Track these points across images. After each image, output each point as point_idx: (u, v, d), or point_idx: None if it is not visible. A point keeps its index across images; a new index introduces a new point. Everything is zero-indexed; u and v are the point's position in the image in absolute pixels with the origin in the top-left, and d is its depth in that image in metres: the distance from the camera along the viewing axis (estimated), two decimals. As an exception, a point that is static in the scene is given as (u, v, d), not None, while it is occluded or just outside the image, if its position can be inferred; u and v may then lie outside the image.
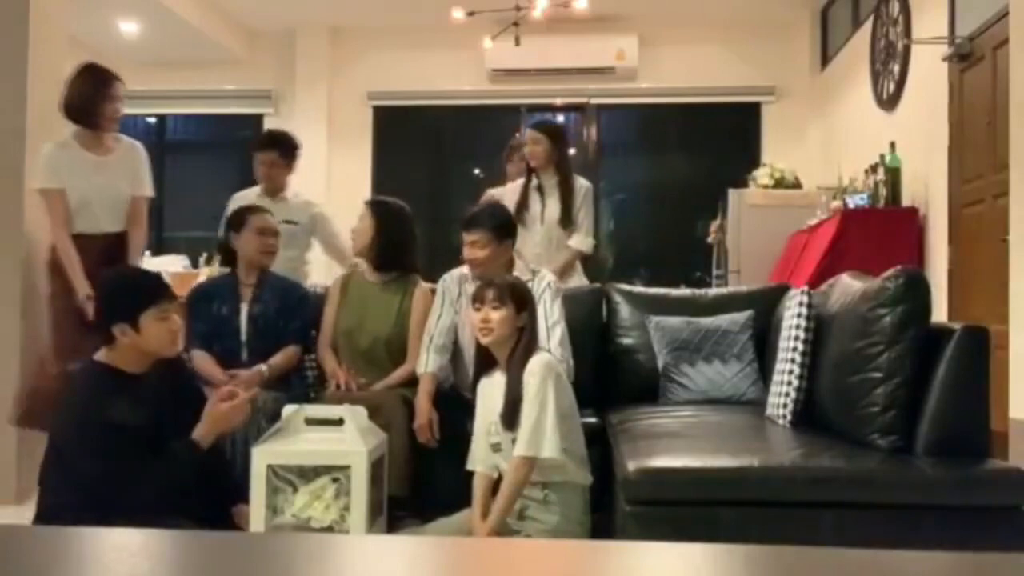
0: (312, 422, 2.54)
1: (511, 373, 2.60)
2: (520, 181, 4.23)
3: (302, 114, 7.68)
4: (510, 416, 2.55)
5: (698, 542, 0.67)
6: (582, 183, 4.19)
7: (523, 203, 4.12)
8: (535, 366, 2.58)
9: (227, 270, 3.35)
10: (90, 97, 3.42)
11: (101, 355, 2.47)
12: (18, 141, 3.59)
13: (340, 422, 2.51)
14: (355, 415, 2.56)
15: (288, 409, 2.58)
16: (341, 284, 3.30)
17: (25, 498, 3.52)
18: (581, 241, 4.12)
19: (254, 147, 4.09)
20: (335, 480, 2.42)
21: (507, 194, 4.29)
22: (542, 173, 4.14)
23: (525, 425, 2.50)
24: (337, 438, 2.49)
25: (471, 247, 3.07)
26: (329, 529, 2.37)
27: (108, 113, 3.47)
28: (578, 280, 4.09)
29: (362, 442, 2.46)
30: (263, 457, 2.44)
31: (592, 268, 4.13)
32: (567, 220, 4.08)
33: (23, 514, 3.37)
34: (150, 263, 4.95)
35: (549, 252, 4.08)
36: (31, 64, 3.63)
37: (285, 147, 4.05)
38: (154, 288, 2.49)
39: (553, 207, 4.11)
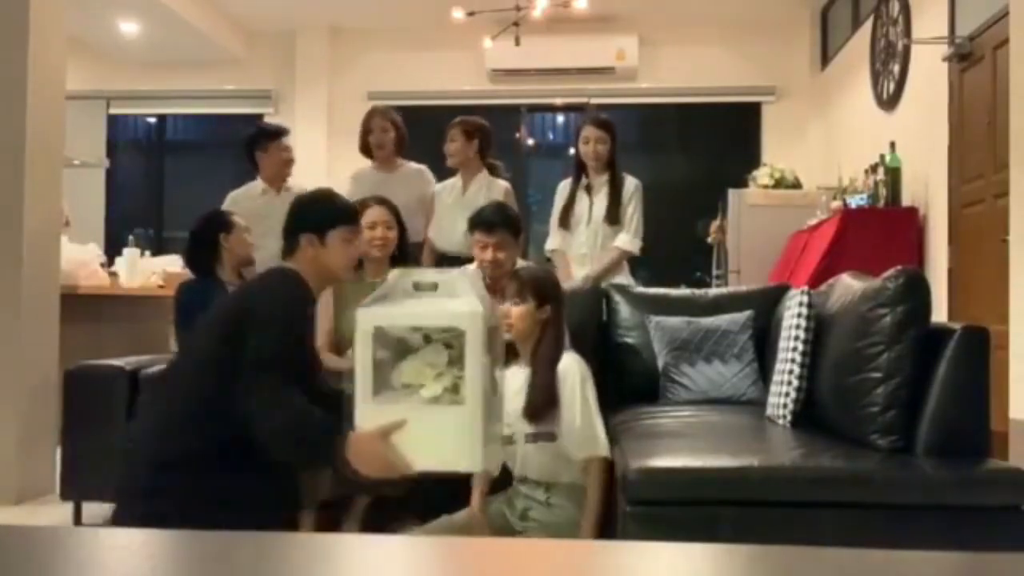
0: (420, 287, 2.21)
1: (537, 368, 2.60)
2: (566, 182, 4.05)
3: (302, 114, 7.68)
4: (535, 411, 2.55)
5: (698, 542, 0.67)
6: (632, 181, 3.99)
7: (569, 204, 3.95)
8: (569, 368, 2.59)
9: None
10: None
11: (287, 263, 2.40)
12: (18, 141, 3.59)
13: (443, 287, 2.20)
14: (472, 278, 2.27)
15: (394, 273, 2.38)
16: (333, 288, 3.24)
17: (25, 498, 3.52)
18: (628, 241, 3.90)
19: (266, 139, 4.01)
20: (448, 346, 2.12)
21: (449, 188, 4.13)
22: (593, 172, 3.96)
23: (576, 431, 2.51)
24: (449, 302, 2.17)
25: (495, 249, 3.01)
26: (439, 400, 2.06)
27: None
28: (626, 280, 3.87)
29: (479, 303, 2.14)
30: (369, 319, 2.08)
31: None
32: (614, 216, 3.88)
33: (23, 514, 3.37)
34: (151, 263, 4.95)
35: (595, 252, 3.91)
36: (31, 64, 3.63)
37: (286, 132, 4.07)
38: (347, 210, 2.51)
39: (600, 205, 3.92)
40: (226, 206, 3.96)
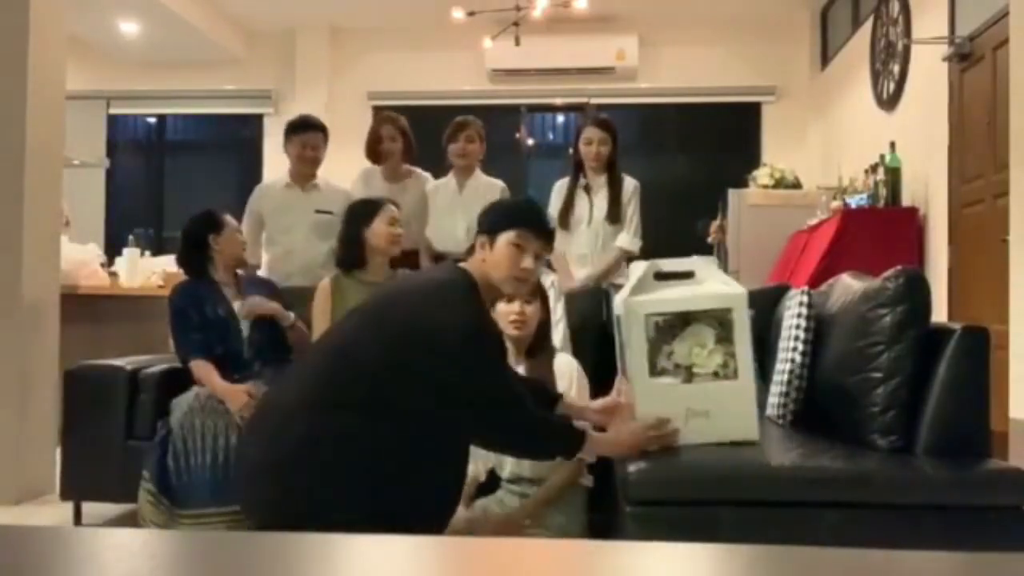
0: (662, 276, 2.31)
1: (535, 365, 2.62)
2: (563, 182, 4.03)
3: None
4: None
5: (698, 542, 0.67)
6: (631, 181, 4.00)
7: (568, 204, 3.94)
8: (564, 367, 2.63)
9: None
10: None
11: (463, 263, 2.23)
12: (18, 141, 3.59)
13: (691, 275, 2.32)
14: (709, 266, 2.36)
15: (641, 265, 2.36)
16: (332, 288, 3.17)
17: (25, 498, 3.52)
18: (629, 241, 3.92)
19: (290, 131, 3.91)
20: (713, 326, 2.21)
21: (442, 188, 4.07)
22: (592, 173, 3.95)
23: None
24: (708, 286, 2.28)
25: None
26: (714, 376, 2.18)
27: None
28: (625, 281, 3.92)
29: (738, 285, 2.29)
30: (639, 307, 2.21)
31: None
32: (615, 215, 3.89)
33: (23, 514, 3.37)
34: (151, 263, 4.95)
35: (595, 253, 3.92)
36: (31, 64, 3.63)
37: (324, 129, 4.00)
38: (524, 210, 2.23)
39: (600, 205, 3.92)
40: (252, 197, 3.95)
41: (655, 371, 2.20)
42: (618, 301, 2.35)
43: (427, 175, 4.13)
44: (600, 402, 2.45)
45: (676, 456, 2.17)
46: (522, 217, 2.19)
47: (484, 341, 2.08)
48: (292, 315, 3.16)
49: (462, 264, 2.22)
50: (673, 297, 2.25)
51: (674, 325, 2.22)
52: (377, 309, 2.18)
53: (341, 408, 1.99)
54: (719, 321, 2.20)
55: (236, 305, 3.12)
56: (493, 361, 2.09)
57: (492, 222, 2.19)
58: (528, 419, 2.12)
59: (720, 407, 2.18)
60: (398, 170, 4.06)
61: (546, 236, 2.21)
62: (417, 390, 1.99)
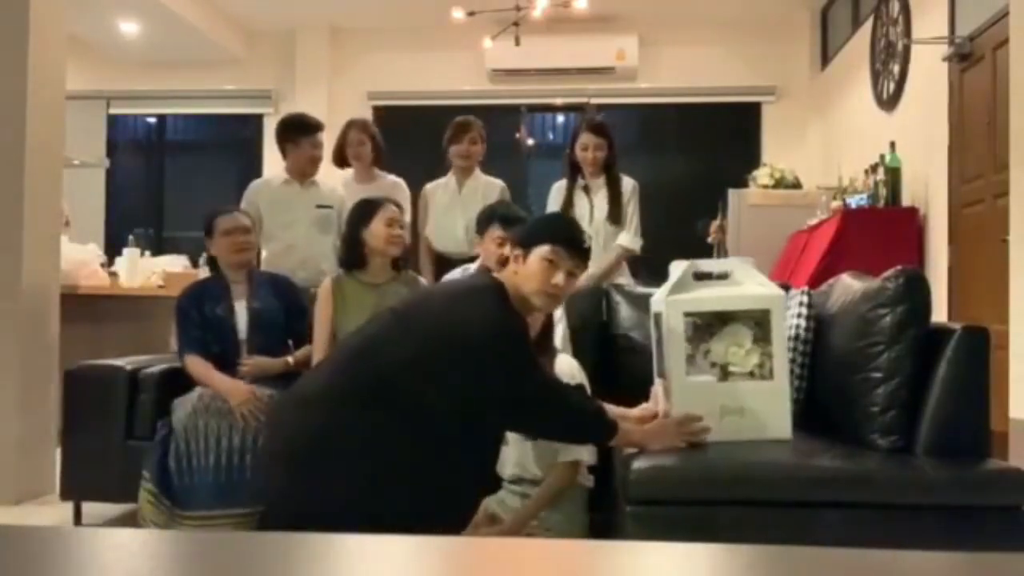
0: (701, 276, 2.37)
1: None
2: (561, 183, 4.03)
3: (302, 114, 7.69)
4: None
5: (698, 542, 0.67)
6: (629, 181, 4.01)
7: (568, 206, 3.94)
8: (565, 367, 2.62)
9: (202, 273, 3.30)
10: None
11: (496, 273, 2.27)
12: (18, 140, 3.59)
13: (729, 276, 2.37)
14: (747, 267, 2.40)
15: (677, 265, 2.41)
16: (333, 289, 3.11)
17: (25, 498, 3.52)
18: (630, 240, 3.94)
19: (298, 133, 3.90)
20: (749, 326, 2.26)
21: (442, 188, 4.14)
22: (590, 175, 3.95)
23: None
24: (746, 287, 2.34)
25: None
26: (750, 375, 2.24)
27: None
28: (626, 280, 3.91)
29: (776, 287, 2.34)
30: (677, 307, 2.26)
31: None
32: (616, 216, 3.90)
33: (23, 514, 3.37)
34: (150, 263, 4.95)
35: (596, 252, 3.81)
36: (31, 64, 3.63)
37: (321, 128, 4.00)
38: (562, 230, 2.27)
39: (601, 205, 3.92)
40: (248, 192, 3.94)
41: (692, 369, 2.26)
42: (657, 299, 2.39)
43: (398, 180, 4.17)
44: (638, 410, 2.44)
45: (676, 456, 2.17)
46: (558, 233, 2.23)
47: (516, 336, 2.12)
48: (291, 359, 3.10)
49: (495, 275, 2.27)
50: (712, 297, 2.30)
51: (712, 324, 2.27)
52: (407, 311, 2.21)
53: (364, 405, 2.01)
54: (756, 322, 2.25)
55: (239, 305, 3.12)
56: (526, 354, 2.14)
57: (528, 235, 2.23)
58: (566, 406, 2.18)
59: (755, 405, 2.23)
60: (368, 173, 4.16)
61: (580, 254, 2.24)
62: (442, 390, 2.01)
